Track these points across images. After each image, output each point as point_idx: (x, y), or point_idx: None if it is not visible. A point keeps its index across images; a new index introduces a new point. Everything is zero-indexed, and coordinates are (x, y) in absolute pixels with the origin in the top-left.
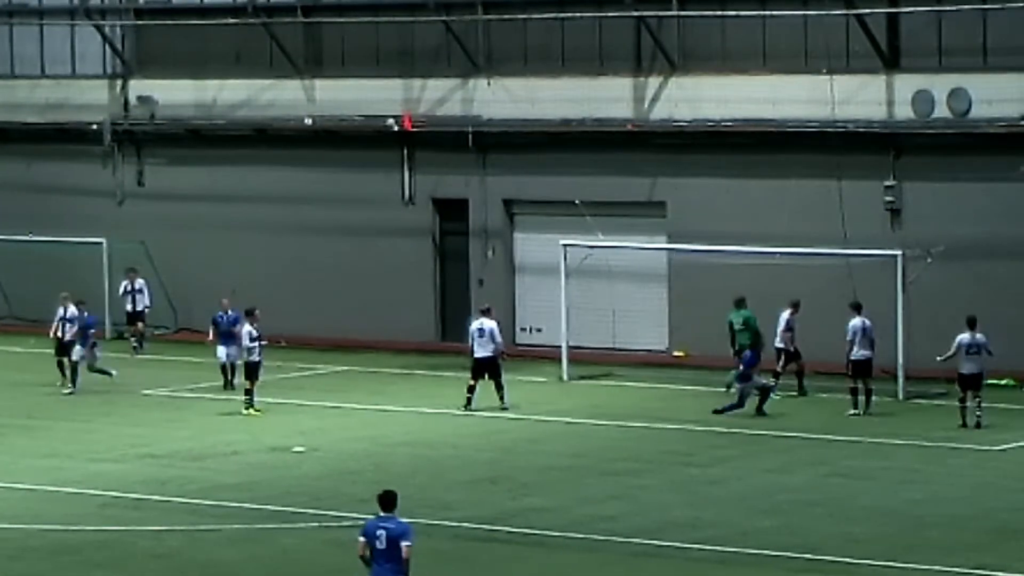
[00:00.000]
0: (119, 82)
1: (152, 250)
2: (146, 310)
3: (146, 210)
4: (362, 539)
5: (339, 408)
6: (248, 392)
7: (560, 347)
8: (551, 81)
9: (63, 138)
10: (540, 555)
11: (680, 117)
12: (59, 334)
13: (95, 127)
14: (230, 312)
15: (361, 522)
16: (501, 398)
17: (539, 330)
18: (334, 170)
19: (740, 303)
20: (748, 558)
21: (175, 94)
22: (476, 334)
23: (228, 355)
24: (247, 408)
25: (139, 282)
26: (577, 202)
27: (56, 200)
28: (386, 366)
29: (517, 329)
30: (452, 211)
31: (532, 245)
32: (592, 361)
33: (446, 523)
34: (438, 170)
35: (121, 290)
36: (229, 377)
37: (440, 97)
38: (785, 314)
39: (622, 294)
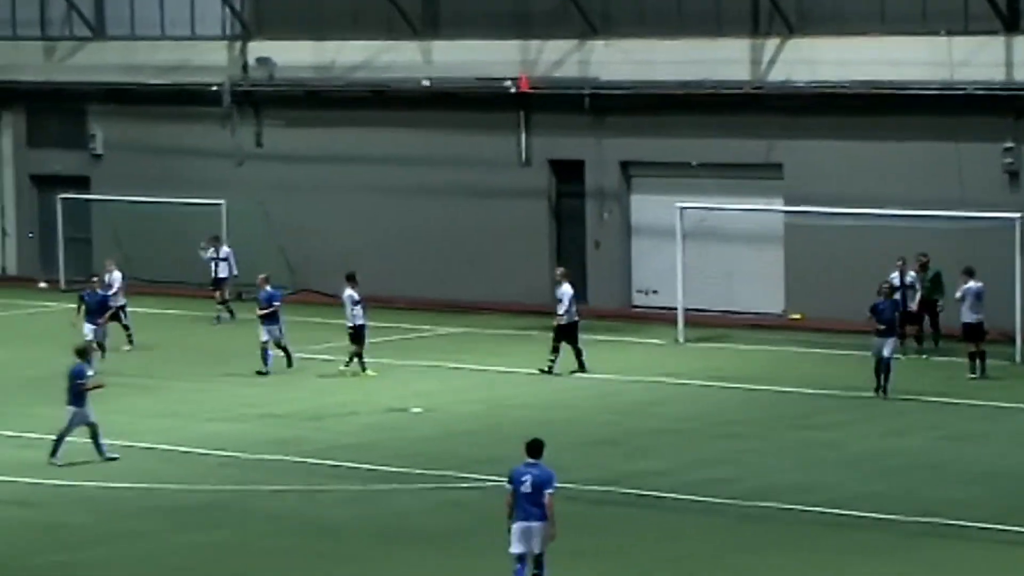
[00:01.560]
0: (238, 44)
1: (270, 211)
2: (230, 278)
3: (264, 172)
4: (508, 486)
5: (455, 370)
6: (359, 356)
7: (676, 309)
8: (668, 43)
9: (182, 100)
10: (654, 517)
11: (797, 79)
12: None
13: (214, 89)
14: (267, 288)
15: (477, 484)
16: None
17: (655, 292)
18: (451, 132)
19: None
20: (862, 521)
21: (293, 56)
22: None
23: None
24: (362, 370)
25: (224, 250)
26: (694, 164)
27: (175, 162)
28: (502, 328)
29: (633, 291)
30: (568, 173)
31: (648, 207)
32: (708, 324)
33: (561, 485)
34: (554, 132)
35: (206, 256)
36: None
37: (557, 59)
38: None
39: (738, 256)
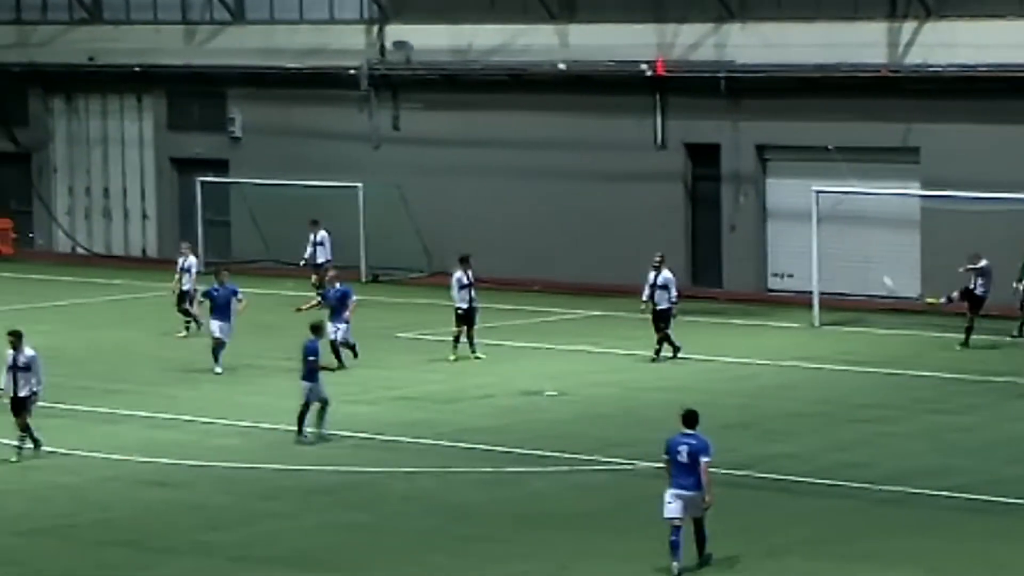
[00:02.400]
0: (376, 27)
1: (406, 194)
2: (327, 263)
3: (401, 154)
4: (665, 456)
5: (590, 353)
6: (461, 338)
7: (811, 293)
8: (805, 26)
9: (320, 83)
10: (787, 501)
11: (935, 62)
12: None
13: (352, 72)
14: (338, 285)
15: (611, 467)
16: (674, 349)
17: (790, 276)
18: (587, 115)
19: None
20: (999, 506)
21: (430, 39)
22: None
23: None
24: (471, 353)
25: (321, 234)
26: (830, 148)
27: (313, 145)
28: (637, 311)
29: (768, 275)
30: (704, 156)
31: (784, 190)
32: (843, 307)
33: None
34: (690, 115)
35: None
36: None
37: (693, 42)
38: None
39: (874, 240)
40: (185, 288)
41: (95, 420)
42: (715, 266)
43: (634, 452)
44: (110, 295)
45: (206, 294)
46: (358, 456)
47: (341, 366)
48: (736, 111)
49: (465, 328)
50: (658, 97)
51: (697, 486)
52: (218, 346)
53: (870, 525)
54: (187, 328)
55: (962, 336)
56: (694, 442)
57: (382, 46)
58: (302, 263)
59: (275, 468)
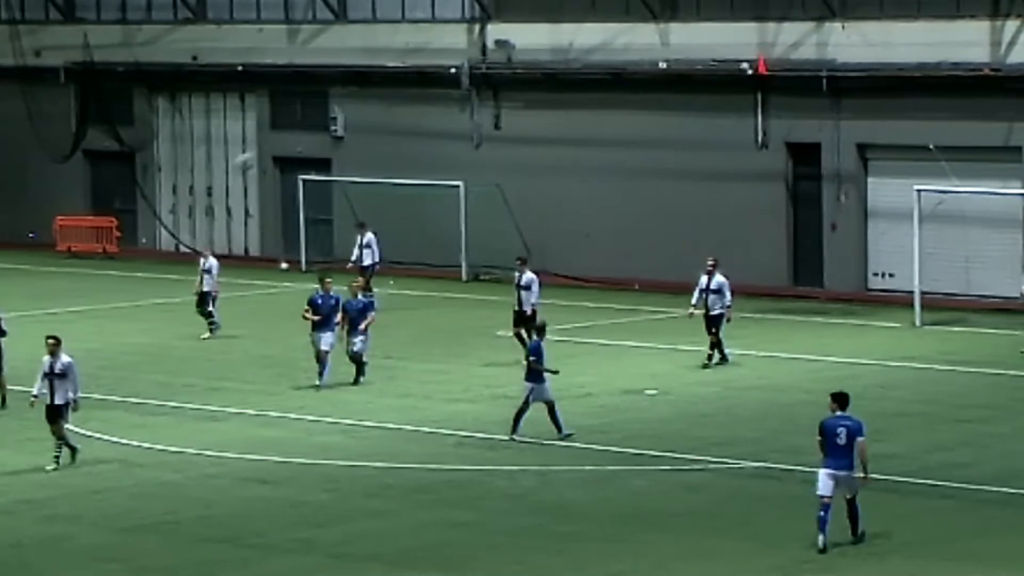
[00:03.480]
0: (477, 26)
1: (507, 193)
2: (375, 267)
3: (502, 153)
4: (820, 438)
5: (690, 352)
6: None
7: (913, 292)
8: (906, 24)
9: (422, 82)
10: (891, 501)
11: None
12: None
13: (453, 71)
14: (361, 296)
15: (712, 466)
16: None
17: (891, 275)
18: (687, 114)
19: None
20: None
21: (531, 38)
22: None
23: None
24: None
25: (368, 236)
26: (931, 147)
27: (414, 144)
28: (739, 310)
29: (869, 274)
30: (805, 155)
31: (885, 190)
32: (944, 307)
33: (798, 468)
34: (791, 114)
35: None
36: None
37: (794, 41)
38: None
39: (976, 240)
40: (205, 290)
41: (199, 418)
42: (816, 265)
43: (735, 452)
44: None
45: (310, 302)
46: (460, 455)
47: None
48: (837, 110)
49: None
50: (759, 96)
51: (851, 466)
52: (322, 358)
53: (973, 525)
54: (210, 330)
55: None
56: (850, 423)
57: (483, 45)
58: (349, 265)
59: (377, 466)
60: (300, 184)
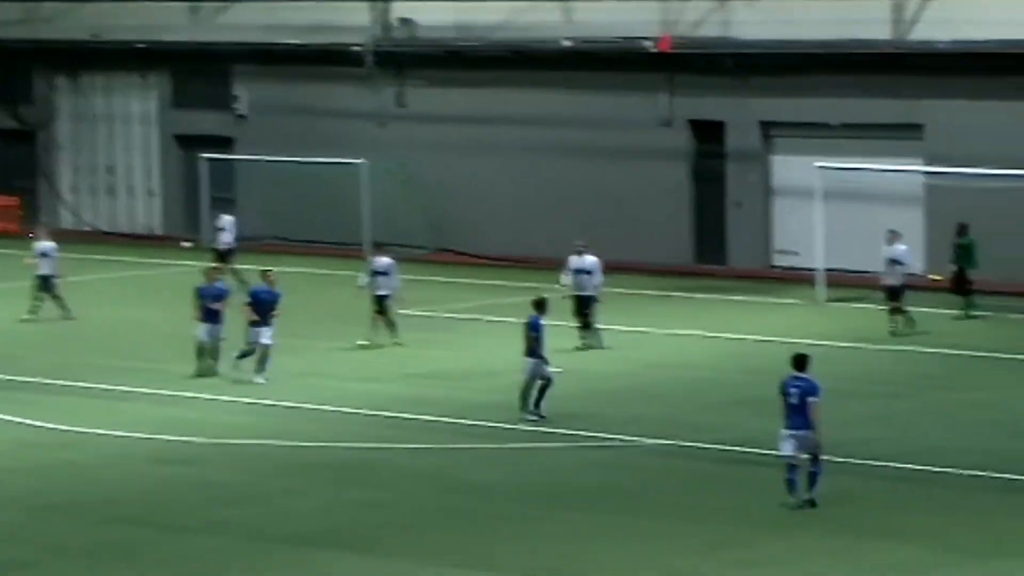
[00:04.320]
0: (380, 4)
1: (411, 171)
2: (233, 250)
3: (406, 131)
4: (781, 396)
5: (598, 329)
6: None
7: (816, 270)
8: (809, 2)
9: (325, 60)
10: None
11: (939, 38)
12: None
13: (357, 49)
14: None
15: (619, 444)
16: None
17: (795, 253)
18: (591, 92)
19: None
20: (1012, 484)
21: (435, 16)
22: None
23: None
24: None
25: (225, 219)
26: (835, 124)
27: (318, 122)
28: (642, 288)
29: (773, 252)
30: (709, 133)
31: (789, 167)
32: (848, 284)
33: (701, 444)
34: (695, 92)
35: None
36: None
37: (698, 19)
38: None
39: (878, 217)
40: (46, 273)
41: (104, 398)
42: (720, 243)
43: (643, 429)
44: (116, 272)
45: (252, 295)
46: (368, 433)
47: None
48: (741, 88)
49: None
50: (663, 74)
51: (807, 425)
52: (263, 352)
53: (883, 501)
54: (33, 311)
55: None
56: (804, 384)
57: (387, 23)
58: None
59: (286, 445)
60: (203, 163)
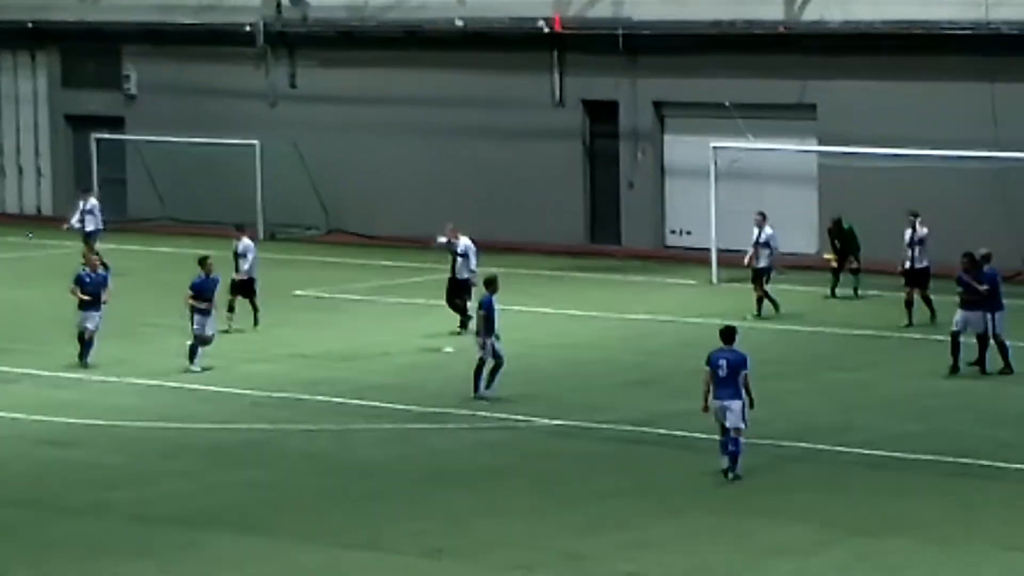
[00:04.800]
0: None
1: (304, 152)
2: (98, 232)
3: (298, 112)
4: (706, 368)
5: None
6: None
7: (709, 250)
8: None
9: (216, 40)
10: (689, 457)
11: (831, 19)
12: None
13: (248, 29)
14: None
15: (511, 424)
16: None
17: (688, 233)
18: (484, 72)
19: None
20: (897, 462)
21: None
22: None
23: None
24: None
25: (91, 202)
26: (727, 104)
27: (209, 102)
28: (535, 268)
29: (667, 232)
30: (602, 113)
31: (682, 147)
32: (741, 264)
33: (595, 425)
34: (588, 72)
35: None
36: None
37: None
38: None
39: (772, 197)
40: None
41: None
42: (613, 223)
43: (532, 409)
44: (3, 253)
45: (195, 286)
46: (256, 414)
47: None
48: (633, 68)
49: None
50: (555, 54)
51: (736, 395)
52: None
53: (771, 480)
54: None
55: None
56: (732, 356)
57: (278, 3)
58: (66, 227)
59: (173, 427)
60: (93, 143)
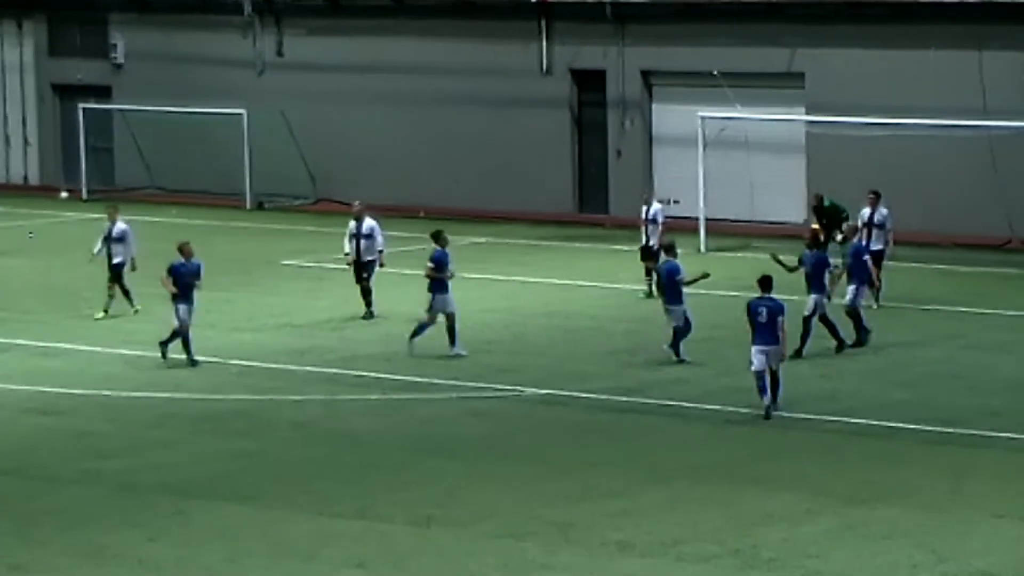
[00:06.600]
0: None
1: (291, 121)
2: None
3: (285, 80)
4: (748, 317)
5: (476, 279)
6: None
7: (698, 219)
8: None
9: (203, 8)
10: (677, 426)
11: None
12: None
13: None
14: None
15: (499, 394)
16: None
17: (676, 202)
18: (471, 40)
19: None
20: (884, 430)
21: None
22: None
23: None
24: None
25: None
26: (715, 73)
27: (196, 71)
28: (523, 237)
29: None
30: (590, 82)
31: (670, 116)
32: (729, 233)
33: (584, 394)
34: (576, 41)
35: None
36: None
37: None
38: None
39: (760, 166)
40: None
41: None
42: (601, 192)
43: (521, 379)
44: None
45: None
46: (245, 384)
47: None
48: (621, 36)
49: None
50: (543, 23)
51: (776, 340)
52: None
53: (759, 450)
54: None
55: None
56: (771, 304)
57: None
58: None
59: (161, 396)
60: (80, 112)
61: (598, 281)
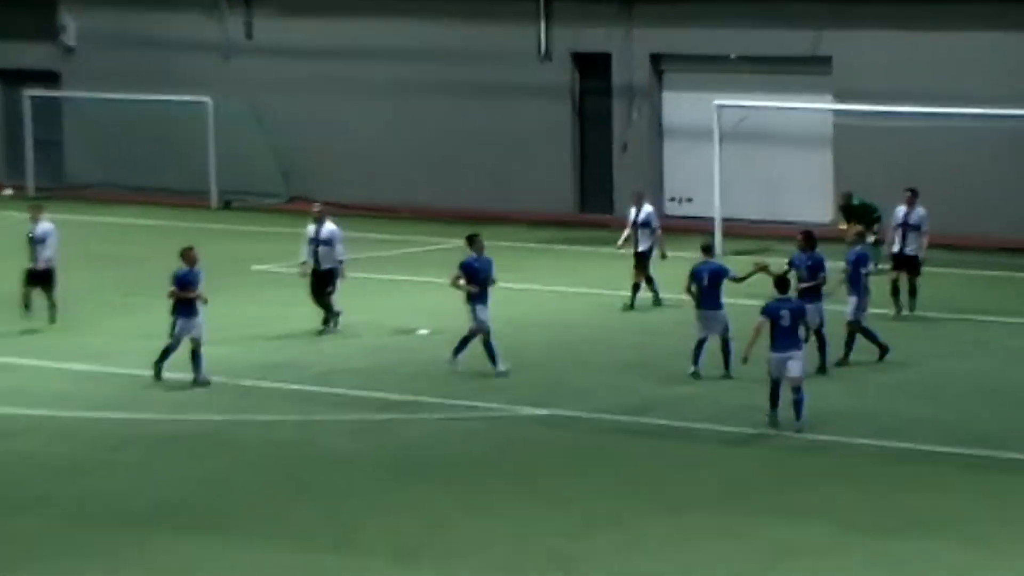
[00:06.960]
0: None
1: (261, 111)
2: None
3: (255, 66)
4: (761, 318)
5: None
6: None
7: (712, 219)
8: None
9: None
10: (688, 448)
11: None
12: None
13: None
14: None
15: (489, 413)
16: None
17: (689, 200)
18: (462, 22)
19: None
20: (919, 454)
21: None
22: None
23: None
24: None
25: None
26: (733, 57)
27: (156, 55)
28: (520, 240)
29: (665, 199)
30: (593, 68)
31: (682, 105)
32: (748, 234)
33: (585, 414)
34: (578, 22)
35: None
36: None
37: None
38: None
39: (782, 160)
40: None
41: None
42: (605, 190)
43: (516, 396)
44: None
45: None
46: (212, 402)
47: None
48: (628, 17)
49: None
50: (542, 2)
51: (799, 345)
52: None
53: (778, 475)
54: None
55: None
56: (793, 306)
57: None
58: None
59: (121, 417)
60: (26, 101)
61: (602, 288)
